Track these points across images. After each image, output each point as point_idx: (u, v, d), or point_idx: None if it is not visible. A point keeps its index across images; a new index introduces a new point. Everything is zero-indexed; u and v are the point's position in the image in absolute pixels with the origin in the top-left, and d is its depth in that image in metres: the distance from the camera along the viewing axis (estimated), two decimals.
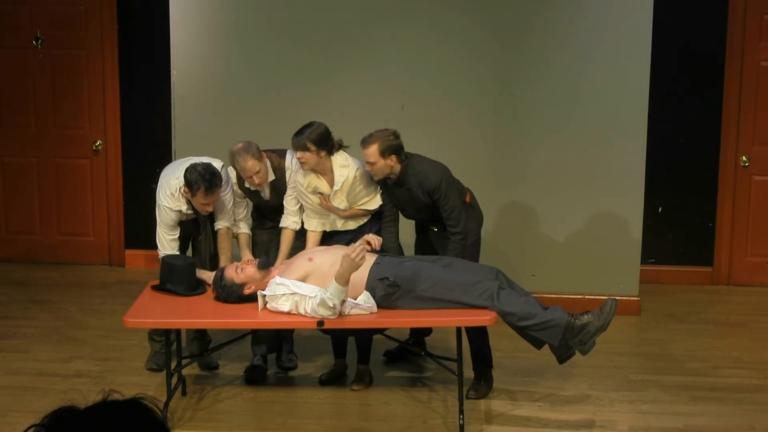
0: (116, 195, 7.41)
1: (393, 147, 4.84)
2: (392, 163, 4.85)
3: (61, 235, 7.54)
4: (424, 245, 5.23)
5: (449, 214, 4.91)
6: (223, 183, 5.01)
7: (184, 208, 4.97)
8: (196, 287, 4.92)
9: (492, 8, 6.09)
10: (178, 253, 5.03)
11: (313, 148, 4.85)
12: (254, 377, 5.17)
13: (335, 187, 4.98)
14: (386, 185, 5.01)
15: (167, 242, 5.00)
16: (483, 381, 4.99)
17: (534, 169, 6.24)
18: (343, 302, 4.39)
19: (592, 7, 6.06)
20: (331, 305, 4.36)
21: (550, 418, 4.72)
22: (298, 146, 4.88)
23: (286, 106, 6.16)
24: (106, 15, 7.18)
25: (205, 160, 4.91)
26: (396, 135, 4.89)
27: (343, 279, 4.32)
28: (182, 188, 4.87)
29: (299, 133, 4.89)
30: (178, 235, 5.02)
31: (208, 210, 4.95)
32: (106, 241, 7.51)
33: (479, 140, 6.23)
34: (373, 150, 4.82)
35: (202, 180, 4.77)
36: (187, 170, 4.84)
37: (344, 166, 5.00)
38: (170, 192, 4.95)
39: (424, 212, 5.02)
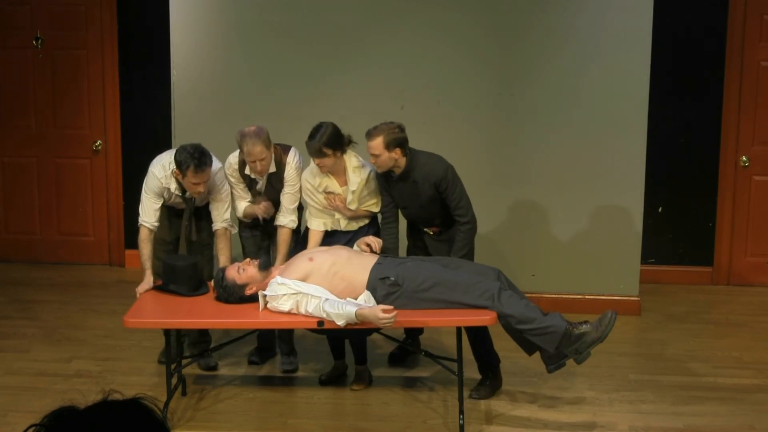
0: (116, 195, 7.42)
1: (398, 140, 4.84)
2: (396, 156, 4.85)
3: (61, 235, 7.54)
4: (417, 250, 5.21)
5: (457, 203, 4.91)
6: (220, 180, 5.03)
7: (172, 186, 4.99)
8: (198, 287, 4.91)
9: (492, 8, 6.08)
10: (157, 223, 5.06)
11: (329, 152, 4.86)
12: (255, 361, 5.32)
13: (351, 188, 4.98)
14: (389, 181, 5.00)
15: (151, 210, 5.03)
16: (489, 382, 4.99)
17: (534, 168, 6.24)
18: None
19: (592, 7, 6.06)
20: (337, 322, 4.37)
21: (550, 419, 4.71)
22: (315, 152, 4.87)
23: (286, 107, 6.16)
24: (106, 15, 7.18)
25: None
26: (401, 128, 4.89)
27: (362, 319, 4.31)
28: (173, 171, 4.89)
29: (311, 137, 4.86)
30: (160, 204, 5.05)
31: (200, 191, 4.91)
32: (106, 241, 7.51)
33: (479, 140, 6.23)
34: (377, 142, 4.82)
35: (192, 158, 4.79)
36: (177, 151, 4.89)
37: (358, 167, 5.01)
38: (162, 164, 5.00)
39: (427, 207, 5.00)
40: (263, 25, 6.19)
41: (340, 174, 5.00)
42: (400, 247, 5.20)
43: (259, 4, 6.19)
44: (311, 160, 5.07)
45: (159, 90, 6.83)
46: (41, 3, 7.22)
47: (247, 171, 5.07)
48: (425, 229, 5.15)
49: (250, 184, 5.14)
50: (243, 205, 5.18)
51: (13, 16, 7.26)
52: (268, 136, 4.94)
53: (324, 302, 4.38)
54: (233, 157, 5.10)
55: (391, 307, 4.32)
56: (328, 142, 4.85)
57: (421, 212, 5.07)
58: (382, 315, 4.25)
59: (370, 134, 4.85)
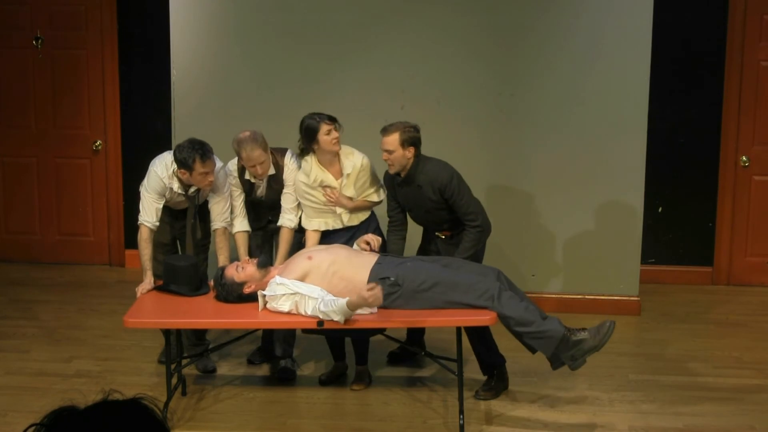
0: (116, 195, 7.42)
1: (413, 139, 4.85)
2: (410, 155, 4.86)
3: (61, 235, 7.54)
4: (431, 254, 5.20)
5: (466, 210, 4.90)
6: (221, 179, 5.03)
7: (175, 185, 4.98)
8: (199, 287, 4.91)
9: (492, 8, 6.09)
10: (158, 222, 5.03)
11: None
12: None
13: (346, 171, 4.98)
14: (393, 185, 4.99)
15: (153, 209, 5.00)
16: (494, 383, 4.98)
17: (534, 168, 6.24)
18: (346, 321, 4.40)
19: (592, 7, 6.06)
20: (335, 319, 4.36)
21: (550, 419, 4.71)
22: (330, 120, 4.95)
23: (286, 106, 6.15)
24: (106, 15, 7.18)
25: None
26: (416, 128, 4.92)
27: (354, 307, 4.31)
28: (175, 170, 4.89)
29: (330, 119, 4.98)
30: (162, 204, 5.02)
31: (211, 180, 4.90)
32: (106, 241, 7.51)
33: (479, 140, 6.23)
34: (393, 138, 4.83)
35: (194, 151, 4.80)
36: (174, 152, 4.88)
37: (351, 153, 5.04)
38: (165, 163, 4.98)
39: (432, 213, 5.00)
40: (263, 25, 6.19)
41: (334, 165, 5.01)
42: (413, 248, 5.20)
43: (259, 4, 6.19)
44: (302, 162, 5.06)
45: (159, 90, 6.83)
46: (41, 3, 7.22)
47: (247, 176, 5.07)
48: (436, 233, 5.15)
49: (249, 189, 5.14)
50: (237, 225, 5.16)
51: (13, 16, 7.26)
52: (264, 139, 4.95)
53: (320, 303, 4.38)
54: (232, 164, 5.11)
55: (372, 284, 4.29)
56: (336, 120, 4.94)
57: (428, 217, 5.06)
58: (367, 294, 4.22)
59: (386, 130, 4.87)
